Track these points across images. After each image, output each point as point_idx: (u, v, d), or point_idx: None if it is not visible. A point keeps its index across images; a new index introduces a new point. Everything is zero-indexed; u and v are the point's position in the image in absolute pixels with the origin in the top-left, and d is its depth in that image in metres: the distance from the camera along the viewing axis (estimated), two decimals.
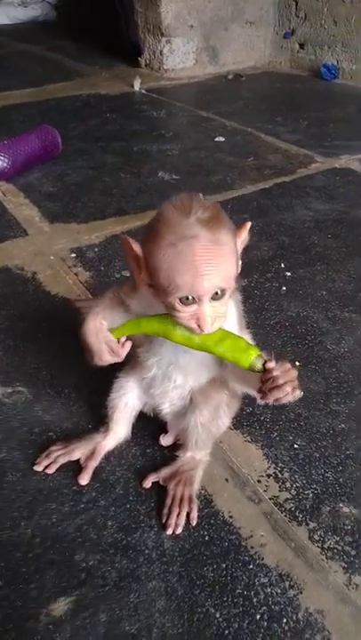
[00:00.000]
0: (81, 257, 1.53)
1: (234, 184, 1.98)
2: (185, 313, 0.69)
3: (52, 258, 1.52)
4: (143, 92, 3.07)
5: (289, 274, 1.47)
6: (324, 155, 2.25)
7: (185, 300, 0.68)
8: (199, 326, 0.69)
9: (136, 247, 0.71)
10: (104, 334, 0.78)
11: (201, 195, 0.69)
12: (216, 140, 2.39)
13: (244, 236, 0.74)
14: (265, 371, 0.70)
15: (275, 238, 1.64)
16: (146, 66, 3.45)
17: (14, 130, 2.21)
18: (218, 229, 0.66)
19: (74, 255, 1.53)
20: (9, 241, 1.61)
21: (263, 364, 0.70)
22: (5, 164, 1.91)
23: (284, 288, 1.41)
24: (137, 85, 3.10)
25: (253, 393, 0.77)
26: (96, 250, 1.56)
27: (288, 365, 0.71)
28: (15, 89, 3.03)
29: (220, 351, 0.72)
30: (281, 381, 0.69)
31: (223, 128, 2.54)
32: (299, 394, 0.71)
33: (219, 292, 0.68)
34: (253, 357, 0.71)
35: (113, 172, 2.07)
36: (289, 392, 0.69)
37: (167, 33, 3.22)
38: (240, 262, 0.74)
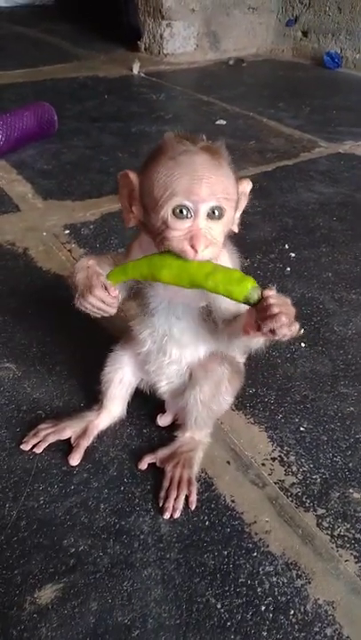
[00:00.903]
0: (75, 234, 1.46)
1: (235, 166, 1.91)
2: (177, 231, 0.63)
3: (44, 234, 1.45)
4: (142, 75, 3.00)
5: (293, 255, 1.41)
6: (328, 140, 2.19)
7: (179, 214, 0.62)
8: (192, 246, 0.62)
9: (132, 176, 0.67)
10: (94, 269, 0.70)
11: (204, 135, 0.66)
12: (217, 123, 2.32)
13: (243, 189, 0.69)
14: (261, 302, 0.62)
15: (278, 219, 1.58)
16: (145, 50, 3.37)
17: (6, 108, 2.13)
18: (217, 155, 0.64)
19: (67, 232, 1.46)
20: (0, 216, 1.53)
21: (260, 295, 0.62)
22: None
23: (289, 269, 1.35)
24: (136, 69, 3.02)
25: (247, 338, 0.69)
26: (91, 227, 1.49)
27: (287, 299, 0.63)
28: (10, 70, 2.95)
29: (211, 285, 0.63)
30: (276, 310, 0.60)
31: (224, 112, 2.47)
32: (296, 328, 0.62)
33: (216, 212, 0.63)
34: (249, 288, 0.62)
35: (110, 151, 2.00)
36: (285, 323, 0.60)
37: (168, 16, 3.14)
38: (238, 219, 0.70)
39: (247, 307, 0.64)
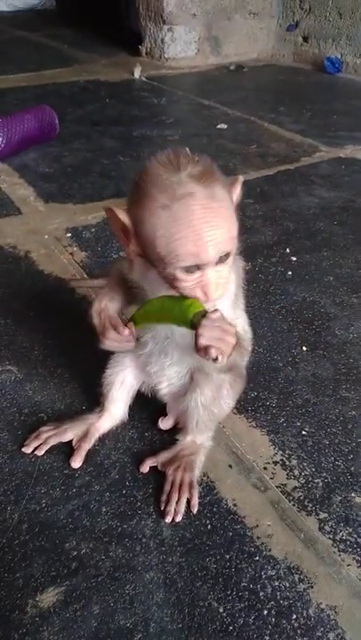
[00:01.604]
0: (77, 237, 1.46)
1: (236, 170, 1.92)
2: (187, 282, 0.63)
3: (46, 237, 1.45)
4: (143, 79, 3.01)
5: (295, 259, 1.41)
6: (329, 144, 2.20)
7: (187, 272, 0.61)
8: (205, 294, 0.63)
9: (122, 216, 0.64)
10: (107, 313, 0.72)
11: (187, 149, 0.62)
12: (218, 127, 2.33)
13: (237, 191, 0.67)
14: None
15: (279, 223, 1.58)
16: (146, 54, 3.38)
17: (8, 112, 2.13)
18: (212, 184, 0.60)
19: (69, 235, 1.47)
20: (1, 219, 1.54)
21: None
22: (0, 141, 1.83)
23: (290, 273, 1.35)
24: (137, 73, 3.03)
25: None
26: (93, 230, 1.49)
27: (226, 326, 0.62)
28: (11, 74, 2.96)
29: (167, 317, 0.65)
30: (204, 342, 0.60)
31: (225, 116, 2.48)
32: (221, 360, 0.61)
33: (224, 257, 0.62)
34: (198, 310, 0.62)
35: (111, 155, 2.00)
36: (211, 355, 0.60)
37: (169, 21, 3.16)
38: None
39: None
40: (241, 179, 0.67)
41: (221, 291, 0.64)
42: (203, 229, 0.59)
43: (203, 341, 0.61)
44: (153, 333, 0.78)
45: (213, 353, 0.60)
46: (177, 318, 0.65)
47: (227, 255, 0.62)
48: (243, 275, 0.77)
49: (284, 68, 3.48)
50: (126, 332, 0.70)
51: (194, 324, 0.62)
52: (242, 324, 0.77)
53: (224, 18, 3.34)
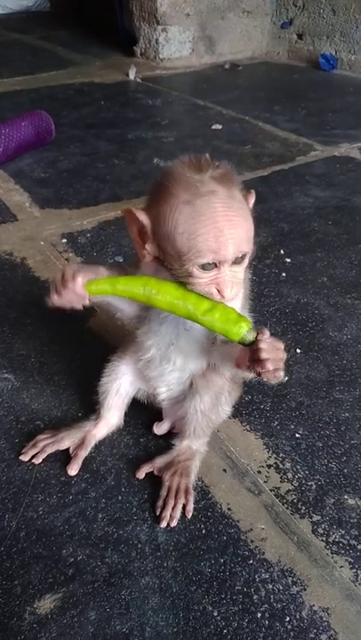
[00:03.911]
0: (72, 242, 1.47)
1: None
2: (203, 279, 0.64)
3: (42, 243, 1.46)
4: (138, 80, 3.01)
5: (289, 260, 1.42)
6: (324, 143, 2.20)
7: (204, 269, 0.63)
8: (219, 291, 0.64)
9: (141, 216, 0.65)
10: (72, 269, 0.70)
11: (207, 155, 0.64)
12: (213, 127, 2.33)
13: (252, 200, 0.68)
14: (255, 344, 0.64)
15: (274, 225, 1.59)
16: (141, 55, 3.39)
17: (3, 117, 2.14)
18: (233, 186, 0.62)
19: (65, 240, 1.48)
20: None
21: (254, 337, 0.64)
22: None
23: (284, 274, 1.36)
24: (132, 74, 3.04)
25: (236, 370, 0.72)
26: (88, 235, 1.51)
27: (280, 344, 0.64)
28: (6, 78, 2.97)
29: (208, 322, 0.66)
30: (265, 355, 0.62)
31: (220, 116, 2.48)
32: (281, 375, 0.64)
33: (241, 258, 0.64)
34: (245, 330, 0.64)
35: (107, 158, 2.01)
36: (269, 369, 0.63)
37: (163, 21, 3.16)
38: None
39: None
40: (253, 193, 0.68)
41: (236, 290, 0.65)
42: (224, 226, 0.60)
43: (264, 355, 0.62)
44: (157, 339, 0.78)
45: (270, 367, 0.62)
46: (211, 323, 0.65)
47: (243, 257, 0.64)
48: (249, 287, 0.78)
49: (278, 65, 3.48)
50: (79, 283, 0.69)
51: (244, 339, 0.64)
52: None
53: (218, 17, 3.34)
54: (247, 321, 0.65)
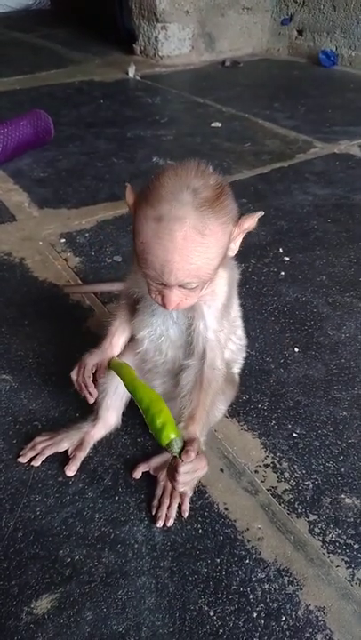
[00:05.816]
0: (71, 242, 1.47)
1: (231, 169, 1.92)
2: (152, 286, 0.65)
3: (40, 243, 1.47)
4: (138, 78, 3.01)
5: (287, 259, 1.42)
6: (323, 140, 2.19)
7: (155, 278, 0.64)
8: (163, 304, 0.65)
9: (130, 198, 0.66)
10: (85, 370, 0.81)
11: (210, 167, 0.63)
12: (212, 125, 2.33)
13: (247, 226, 0.67)
14: (180, 456, 0.65)
15: (273, 223, 1.59)
16: (141, 53, 3.38)
17: (3, 117, 2.14)
18: (209, 215, 0.60)
19: (63, 240, 1.48)
20: None
21: (180, 451, 0.65)
22: None
23: (283, 273, 1.36)
24: (131, 72, 3.03)
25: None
26: (87, 235, 1.51)
27: (201, 465, 0.66)
28: (5, 77, 2.96)
29: (148, 418, 0.69)
30: (180, 476, 0.64)
31: (220, 114, 2.48)
32: (188, 492, 0.73)
33: (187, 286, 0.63)
34: (170, 439, 0.65)
35: (106, 157, 2.01)
36: (177, 486, 0.65)
37: (162, 19, 3.15)
38: (235, 249, 0.68)
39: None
40: (259, 214, 0.67)
41: (183, 305, 0.66)
42: (173, 258, 0.60)
43: (179, 474, 0.64)
44: (149, 330, 0.79)
45: (180, 487, 0.66)
46: (150, 422, 0.68)
47: (191, 285, 0.63)
48: (236, 285, 0.78)
49: (279, 62, 3.47)
50: (92, 389, 0.80)
51: (168, 447, 0.65)
52: (225, 336, 0.77)
53: (217, 14, 3.33)
54: (173, 432, 0.65)
